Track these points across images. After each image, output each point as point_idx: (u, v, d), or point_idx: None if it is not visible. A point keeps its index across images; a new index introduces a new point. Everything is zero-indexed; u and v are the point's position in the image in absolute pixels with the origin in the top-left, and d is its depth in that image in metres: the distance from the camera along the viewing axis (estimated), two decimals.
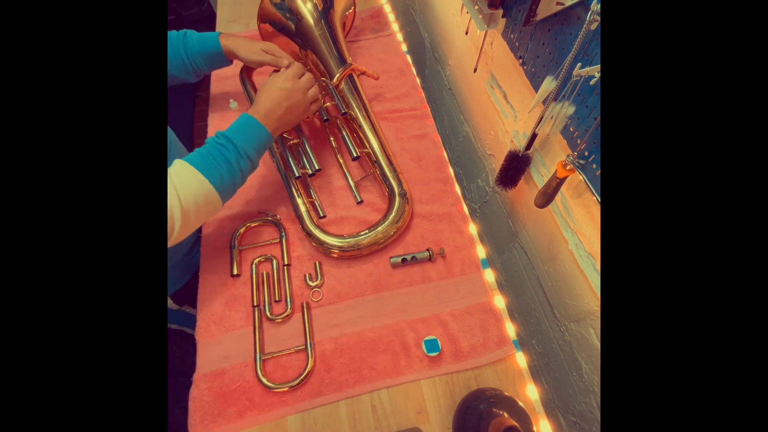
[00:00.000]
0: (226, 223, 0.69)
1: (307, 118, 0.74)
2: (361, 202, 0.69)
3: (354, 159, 0.68)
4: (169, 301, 1.07)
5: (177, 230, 0.49)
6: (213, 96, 0.86)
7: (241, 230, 0.67)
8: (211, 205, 0.53)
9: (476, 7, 0.54)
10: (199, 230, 0.70)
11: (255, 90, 0.76)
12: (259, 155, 0.58)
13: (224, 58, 0.71)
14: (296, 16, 0.77)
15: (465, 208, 0.71)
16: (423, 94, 0.86)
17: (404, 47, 0.94)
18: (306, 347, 0.58)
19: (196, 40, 0.69)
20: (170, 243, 0.50)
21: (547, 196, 0.52)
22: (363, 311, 0.61)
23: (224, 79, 0.88)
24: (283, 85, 0.59)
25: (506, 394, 0.49)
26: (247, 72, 0.79)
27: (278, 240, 0.67)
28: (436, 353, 0.57)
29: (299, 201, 0.66)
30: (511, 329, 0.60)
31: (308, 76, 0.62)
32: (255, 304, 0.61)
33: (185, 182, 0.50)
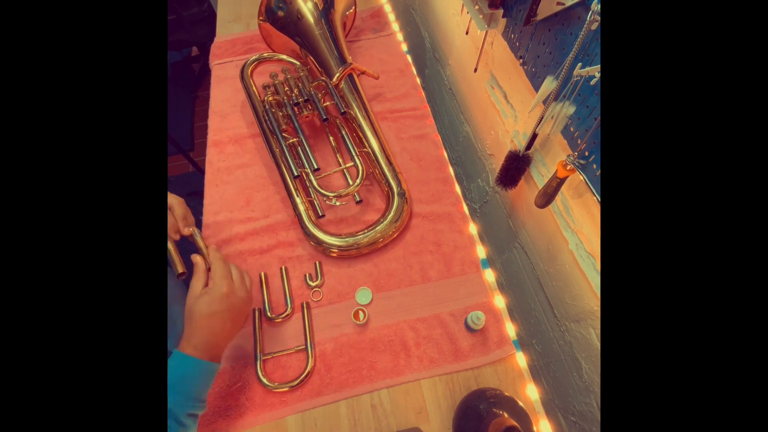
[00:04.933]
0: (225, 225, 0.69)
1: (307, 117, 0.74)
2: (360, 201, 0.69)
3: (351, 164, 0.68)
4: None
5: None
6: (213, 96, 0.86)
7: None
8: None
9: (476, 6, 0.54)
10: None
11: (256, 89, 0.76)
12: (206, 393, 0.47)
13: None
14: (296, 15, 0.77)
15: (465, 208, 0.71)
16: (423, 94, 0.86)
17: (404, 47, 0.94)
18: (306, 347, 0.58)
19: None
20: None
21: (547, 196, 0.52)
22: None
23: (224, 79, 0.88)
24: (215, 308, 0.47)
25: (506, 394, 0.49)
26: (247, 72, 0.79)
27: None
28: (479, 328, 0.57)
29: (298, 200, 0.66)
30: (511, 329, 0.60)
31: (235, 269, 0.52)
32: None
33: None
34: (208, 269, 0.51)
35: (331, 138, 0.76)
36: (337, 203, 0.68)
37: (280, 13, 0.78)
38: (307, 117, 0.74)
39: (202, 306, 0.47)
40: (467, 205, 0.75)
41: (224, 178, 0.74)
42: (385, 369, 0.57)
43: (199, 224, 0.70)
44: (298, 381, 0.55)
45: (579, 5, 0.41)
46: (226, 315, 0.48)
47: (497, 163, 0.76)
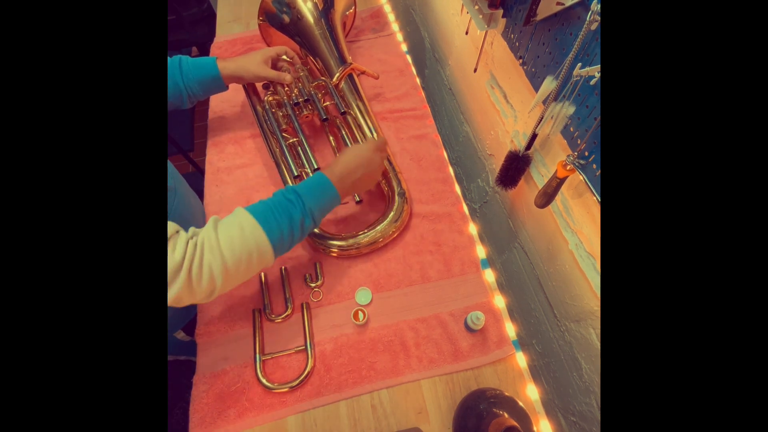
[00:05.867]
0: None
1: (307, 117, 0.74)
2: (360, 201, 0.69)
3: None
4: (181, 333, 1.07)
5: (219, 288, 0.46)
6: (213, 96, 0.86)
7: None
8: (264, 259, 0.49)
9: (476, 7, 0.54)
10: None
11: (256, 89, 0.76)
12: (323, 216, 0.55)
13: (222, 83, 0.69)
14: (296, 15, 0.77)
15: (465, 208, 0.71)
16: (423, 94, 0.86)
17: (404, 47, 0.94)
18: (306, 347, 0.58)
19: (192, 66, 0.67)
20: (211, 299, 0.47)
21: (547, 196, 0.52)
22: None
23: None
24: (366, 154, 0.58)
25: (506, 394, 0.49)
26: None
27: None
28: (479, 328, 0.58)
29: None
30: (511, 329, 0.60)
31: (386, 150, 0.62)
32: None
33: (240, 235, 0.46)
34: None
35: (331, 138, 0.76)
36: None
37: (280, 13, 0.78)
38: (307, 117, 0.74)
39: (361, 147, 0.59)
40: (467, 205, 0.75)
41: (224, 179, 0.74)
42: (384, 369, 0.57)
43: (199, 225, 0.70)
44: (297, 381, 0.55)
45: (579, 5, 0.41)
46: (370, 162, 0.59)
47: (497, 163, 0.76)
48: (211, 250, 0.45)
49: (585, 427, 0.61)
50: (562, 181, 0.49)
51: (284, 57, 0.72)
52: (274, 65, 0.72)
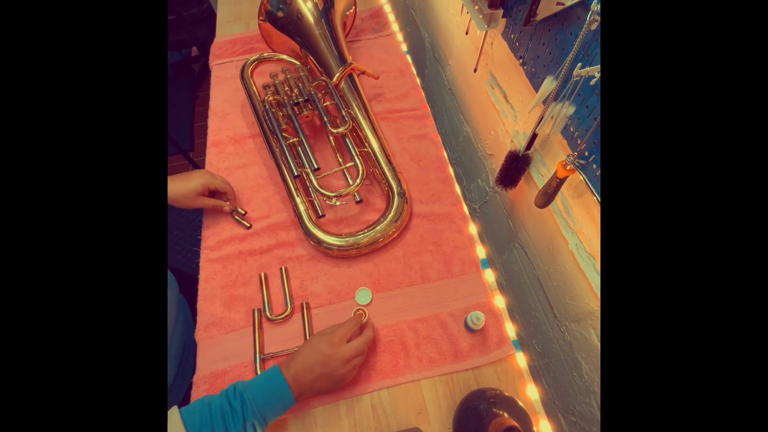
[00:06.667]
0: (225, 225, 0.69)
1: (307, 117, 0.74)
2: (360, 201, 0.69)
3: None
4: None
5: None
6: (213, 96, 0.86)
7: None
8: None
9: (476, 7, 0.54)
10: (198, 249, 0.70)
11: (256, 89, 0.77)
12: (274, 419, 0.48)
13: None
14: (296, 15, 0.77)
15: (465, 208, 0.71)
16: (423, 94, 0.86)
17: (404, 47, 0.94)
18: None
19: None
20: None
21: (547, 196, 0.52)
22: None
23: (224, 80, 0.88)
24: (323, 349, 0.50)
25: (506, 394, 0.49)
26: (247, 72, 0.79)
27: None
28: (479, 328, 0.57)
29: (298, 200, 0.66)
30: (511, 329, 0.60)
31: (354, 345, 0.52)
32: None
33: None
34: (361, 329, 0.56)
35: (331, 138, 0.76)
36: (337, 203, 0.68)
37: (280, 13, 0.78)
38: (307, 117, 0.74)
39: (319, 341, 0.51)
40: (467, 205, 0.75)
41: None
42: (384, 369, 0.57)
43: (198, 225, 0.71)
44: None
45: (579, 5, 0.41)
46: (327, 360, 0.51)
47: (497, 163, 0.76)
48: None
49: (585, 427, 0.61)
50: (562, 181, 0.49)
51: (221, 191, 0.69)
52: (212, 194, 0.69)
